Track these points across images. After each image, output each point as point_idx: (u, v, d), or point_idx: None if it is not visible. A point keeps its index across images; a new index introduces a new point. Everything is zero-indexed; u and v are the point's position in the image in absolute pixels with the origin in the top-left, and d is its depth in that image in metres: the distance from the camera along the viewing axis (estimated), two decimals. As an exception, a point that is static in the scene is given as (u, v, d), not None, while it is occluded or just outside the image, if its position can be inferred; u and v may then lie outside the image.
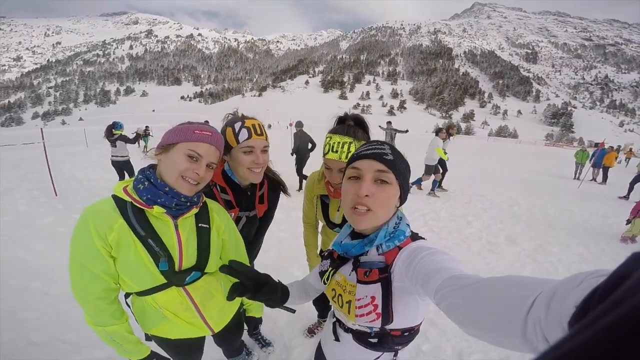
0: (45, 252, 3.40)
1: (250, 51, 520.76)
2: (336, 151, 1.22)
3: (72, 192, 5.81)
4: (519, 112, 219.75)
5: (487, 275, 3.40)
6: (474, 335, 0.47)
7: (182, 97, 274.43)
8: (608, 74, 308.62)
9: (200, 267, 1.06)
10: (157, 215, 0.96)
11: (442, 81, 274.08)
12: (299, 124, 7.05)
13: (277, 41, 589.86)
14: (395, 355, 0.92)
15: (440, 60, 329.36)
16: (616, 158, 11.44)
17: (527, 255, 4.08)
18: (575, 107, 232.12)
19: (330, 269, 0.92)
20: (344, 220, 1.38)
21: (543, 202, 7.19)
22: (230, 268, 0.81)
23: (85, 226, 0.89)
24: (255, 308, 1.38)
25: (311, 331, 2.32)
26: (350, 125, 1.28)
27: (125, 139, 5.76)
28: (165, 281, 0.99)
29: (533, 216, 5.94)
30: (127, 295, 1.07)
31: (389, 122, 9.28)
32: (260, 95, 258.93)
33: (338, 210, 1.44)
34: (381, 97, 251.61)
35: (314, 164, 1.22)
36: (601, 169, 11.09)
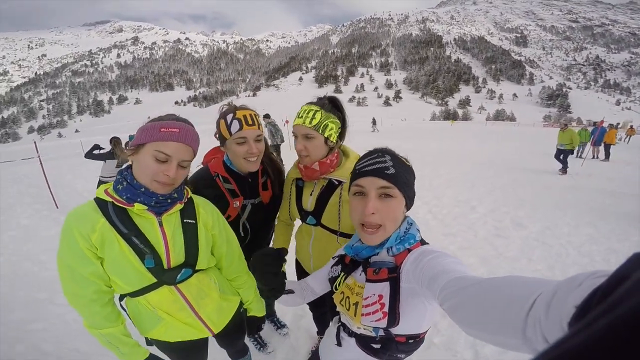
0: (49, 263, 3.43)
1: (240, 52, 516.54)
2: (301, 117, 1.22)
3: (73, 204, 5.59)
4: (515, 95, 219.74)
5: (497, 262, 2.59)
6: (475, 336, 0.47)
7: (177, 102, 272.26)
8: (599, 55, 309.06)
9: (190, 263, 1.04)
10: (139, 212, 0.95)
11: (435, 69, 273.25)
12: (267, 116, 7.74)
13: (267, 40, 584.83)
14: None
15: (432, 49, 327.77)
16: (616, 135, 11.54)
17: (535, 238, 3.95)
18: (570, 88, 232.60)
19: (342, 274, 0.93)
20: (317, 206, 1.33)
21: (547, 182, 6.96)
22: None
23: (69, 229, 0.89)
24: (256, 307, 1.32)
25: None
26: (323, 99, 1.29)
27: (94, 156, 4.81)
28: (155, 280, 0.98)
29: (538, 197, 5.72)
30: (121, 297, 1.05)
31: (267, 115, 8.40)
32: (254, 95, 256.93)
33: (311, 195, 1.39)
34: (376, 88, 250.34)
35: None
36: (602, 147, 11.17)
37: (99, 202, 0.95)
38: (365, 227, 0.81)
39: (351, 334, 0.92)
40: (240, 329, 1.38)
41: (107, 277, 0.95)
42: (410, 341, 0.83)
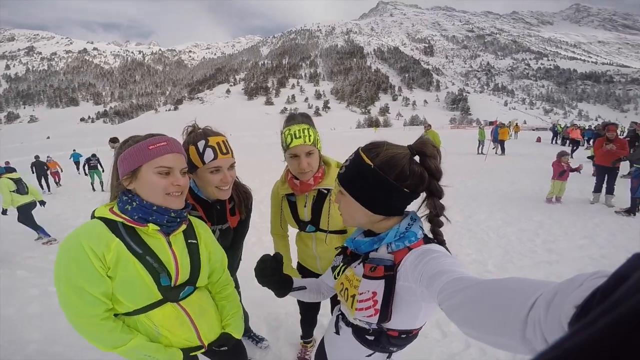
0: None
1: (159, 63, 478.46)
2: (299, 137, 1.27)
3: None
4: (425, 101, 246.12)
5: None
6: (473, 337, 0.47)
7: (83, 119, 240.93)
8: (489, 61, 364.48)
9: (192, 281, 1.09)
10: (151, 233, 0.98)
11: (358, 79, 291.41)
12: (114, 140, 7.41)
13: (190, 51, 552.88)
14: (389, 356, 0.93)
15: (355, 59, 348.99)
16: (508, 132, 14.06)
17: (461, 227, 4.57)
18: (468, 93, 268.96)
19: (342, 264, 0.97)
20: (313, 215, 1.44)
21: (461, 177, 8.11)
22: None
23: (80, 249, 0.88)
24: (234, 325, 1.27)
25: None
26: (299, 115, 1.37)
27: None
28: (160, 297, 1.00)
29: (456, 191, 6.67)
30: (115, 316, 1.03)
31: (114, 139, 7.86)
32: (176, 108, 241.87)
33: (305, 206, 1.47)
34: (306, 99, 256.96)
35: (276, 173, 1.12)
36: (498, 143, 13.30)
37: (107, 221, 0.95)
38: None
39: (348, 323, 0.95)
40: (239, 348, 1.40)
41: (111, 296, 0.96)
42: (403, 336, 0.84)
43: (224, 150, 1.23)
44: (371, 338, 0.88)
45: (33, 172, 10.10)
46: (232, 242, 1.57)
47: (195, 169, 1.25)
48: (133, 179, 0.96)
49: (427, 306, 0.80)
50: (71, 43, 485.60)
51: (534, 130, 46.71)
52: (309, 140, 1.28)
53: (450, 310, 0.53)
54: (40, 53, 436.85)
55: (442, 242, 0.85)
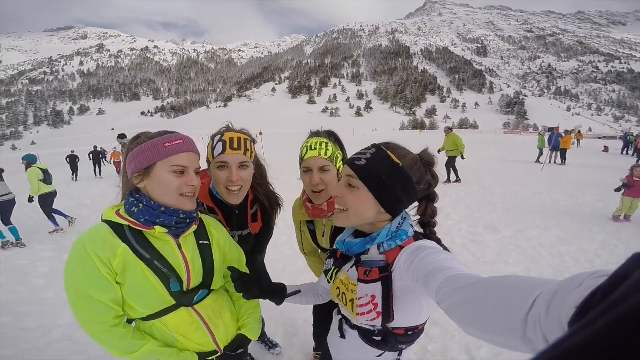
0: (8, 285, 3.38)
1: (211, 61, 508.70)
2: (315, 149, 1.19)
3: (32, 224, 5.65)
4: (477, 104, 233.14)
5: (476, 267, 2.88)
6: (475, 336, 0.47)
7: (143, 113, 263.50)
8: (551, 63, 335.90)
9: (207, 284, 1.04)
10: (159, 236, 0.94)
11: (403, 79, 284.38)
12: (122, 136, 7.55)
13: (239, 50, 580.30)
14: (400, 354, 0.93)
15: (400, 59, 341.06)
16: (571, 140, 12.56)
17: (509, 242, 4.14)
18: (526, 96, 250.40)
19: (333, 268, 0.96)
20: (332, 244, 1.37)
21: (514, 188, 7.46)
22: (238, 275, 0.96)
23: (86, 255, 0.86)
24: (251, 326, 1.21)
25: None
26: (321, 133, 1.30)
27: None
28: (174, 302, 0.96)
29: (507, 202, 6.11)
30: (130, 321, 1.01)
31: (122, 136, 7.73)
32: (225, 105, 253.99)
33: (323, 236, 1.40)
34: (348, 99, 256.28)
35: (297, 190, 1.43)
36: (559, 152, 11.97)
37: (112, 225, 0.92)
38: (335, 208, 0.86)
39: (353, 326, 0.94)
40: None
41: (122, 302, 0.93)
42: (410, 333, 0.84)
43: (235, 146, 1.13)
44: (378, 339, 0.87)
45: (90, 159, 12.23)
46: (254, 249, 1.49)
47: (209, 165, 1.19)
48: (145, 177, 0.92)
49: (427, 302, 0.80)
50: (135, 41, 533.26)
51: (600, 138, 42.25)
52: (325, 154, 1.18)
53: (450, 309, 0.52)
54: (109, 50, 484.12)
55: (438, 241, 0.85)
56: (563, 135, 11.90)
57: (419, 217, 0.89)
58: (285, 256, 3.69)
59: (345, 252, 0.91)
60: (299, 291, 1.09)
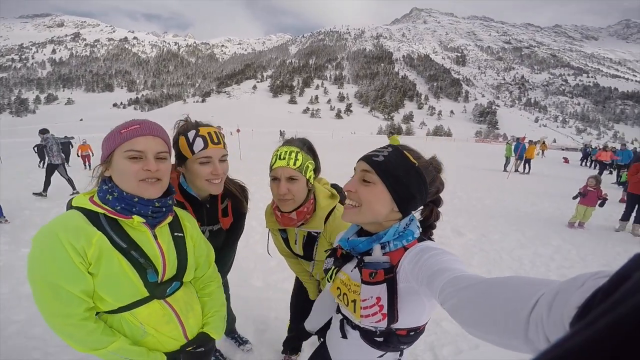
0: None
1: (192, 55, 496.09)
2: (283, 158, 1.19)
3: None
4: (452, 112, 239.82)
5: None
6: (476, 336, 0.48)
7: (115, 105, 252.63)
8: (524, 75, 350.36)
9: (179, 277, 1.03)
10: (136, 226, 0.91)
11: (383, 84, 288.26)
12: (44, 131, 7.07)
13: (222, 45, 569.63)
14: (401, 355, 0.94)
15: (382, 64, 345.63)
16: (535, 150, 13.29)
17: (473, 245, 4.41)
18: (498, 106, 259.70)
19: (333, 267, 0.94)
20: (305, 251, 1.39)
21: (480, 194, 7.87)
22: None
23: (58, 243, 0.81)
24: (214, 324, 1.18)
25: None
26: (294, 140, 1.29)
27: None
28: (147, 294, 0.94)
29: (473, 208, 6.49)
30: (96, 314, 0.95)
31: (44, 130, 7.36)
32: (203, 101, 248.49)
33: (296, 243, 1.40)
34: (329, 100, 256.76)
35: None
36: (524, 161, 12.60)
37: (86, 212, 0.88)
38: (346, 204, 0.86)
39: (355, 326, 0.94)
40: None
41: (93, 293, 0.88)
42: (412, 333, 0.85)
43: (215, 140, 1.16)
44: (380, 339, 0.87)
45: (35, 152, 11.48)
46: (224, 244, 1.49)
47: (185, 161, 1.18)
48: (109, 166, 0.90)
49: (430, 302, 0.80)
50: (114, 31, 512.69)
51: (563, 150, 44.51)
52: (293, 164, 1.17)
53: (453, 310, 0.52)
54: (85, 39, 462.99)
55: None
56: (527, 146, 12.46)
57: (421, 219, 0.90)
58: (257, 255, 3.71)
59: (348, 251, 0.90)
60: (322, 320, 1.14)
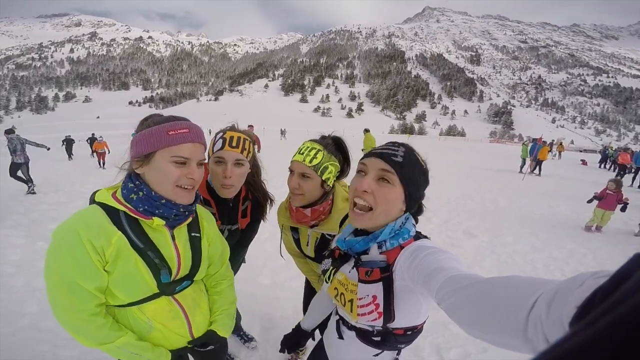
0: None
1: (205, 54, 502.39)
2: (302, 153, 1.17)
3: (2, 210, 5.30)
4: (466, 111, 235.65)
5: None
6: (475, 336, 0.47)
7: (131, 102, 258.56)
8: (541, 75, 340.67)
9: (191, 275, 1.03)
10: (155, 227, 0.92)
11: (396, 83, 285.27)
12: (9, 131, 7.22)
13: (235, 44, 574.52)
14: (399, 353, 0.93)
15: (394, 63, 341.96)
16: (549, 151, 12.97)
17: (485, 247, 4.32)
18: (514, 106, 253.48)
19: (331, 268, 0.94)
20: (316, 253, 1.35)
21: (493, 195, 7.74)
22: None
23: (78, 240, 0.81)
24: (222, 322, 1.17)
25: None
26: (327, 138, 1.27)
27: None
28: (157, 291, 0.94)
29: (486, 209, 6.42)
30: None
31: (10, 130, 7.31)
32: (216, 99, 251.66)
33: (307, 245, 1.37)
34: (340, 99, 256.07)
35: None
36: (536, 162, 12.22)
37: (107, 209, 0.88)
38: (356, 207, 0.81)
39: (351, 327, 0.93)
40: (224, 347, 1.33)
41: (105, 289, 0.89)
42: (409, 332, 0.85)
43: (233, 144, 1.19)
44: (377, 339, 0.87)
45: (62, 145, 12.84)
46: (237, 244, 1.52)
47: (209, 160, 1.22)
48: (145, 164, 0.88)
49: (426, 301, 0.80)
50: (129, 31, 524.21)
51: (581, 151, 43.18)
52: (309, 162, 1.15)
53: (450, 309, 0.52)
54: (102, 39, 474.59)
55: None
56: (541, 146, 12.22)
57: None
58: (267, 252, 3.74)
59: (345, 251, 0.90)
60: (319, 320, 1.15)
